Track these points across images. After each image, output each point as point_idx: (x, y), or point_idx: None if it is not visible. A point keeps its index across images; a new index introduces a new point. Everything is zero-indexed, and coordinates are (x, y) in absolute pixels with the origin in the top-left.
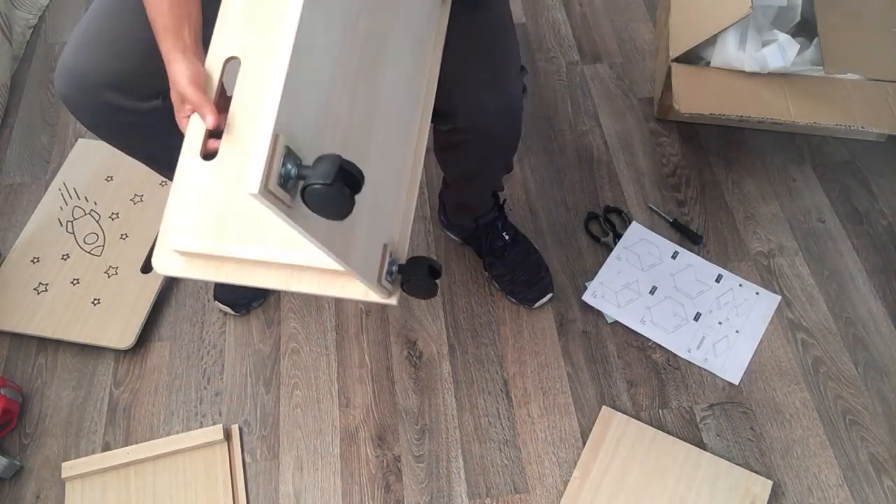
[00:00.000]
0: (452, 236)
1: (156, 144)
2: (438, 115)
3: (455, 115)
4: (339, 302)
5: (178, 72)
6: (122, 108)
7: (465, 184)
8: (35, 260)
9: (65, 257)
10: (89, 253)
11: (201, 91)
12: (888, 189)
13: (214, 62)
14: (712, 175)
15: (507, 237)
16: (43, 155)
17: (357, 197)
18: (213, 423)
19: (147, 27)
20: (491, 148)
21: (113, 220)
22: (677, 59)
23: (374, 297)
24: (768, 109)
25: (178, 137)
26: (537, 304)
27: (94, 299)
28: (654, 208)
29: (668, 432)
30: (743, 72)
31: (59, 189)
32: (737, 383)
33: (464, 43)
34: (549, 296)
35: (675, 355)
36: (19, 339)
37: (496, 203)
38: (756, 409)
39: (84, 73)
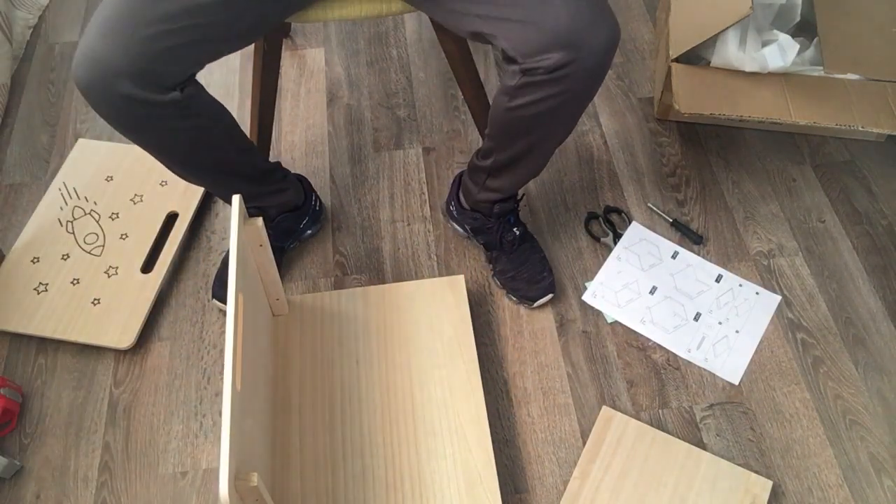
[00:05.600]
0: (459, 229)
1: (170, 137)
2: (543, 50)
3: (569, 45)
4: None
5: None
6: (142, 100)
7: (528, 143)
8: (35, 260)
9: (65, 257)
10: (89, 253)
11: None
12: (888, 189)
13: None
14: (712, 175)
15: (517, 232)
16: (43, 155)
17: None
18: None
19: (170, 19)
20: (586, 87)
21: (113, 220)
22: (677, 59)
23: None
24: (768, 109)
25: (192, 131)
26: (536, 304)
27: (94, 299)
28: (654, 208)
29: (668, 432)
30: (743, 72)
31: (59, 189)
32: (737, 383)
33: None
34: (550, 296)
35: (675, 355)
36: (19, 339)
37: (515, 196)
38: (756, 409)
39: (105, 61)
